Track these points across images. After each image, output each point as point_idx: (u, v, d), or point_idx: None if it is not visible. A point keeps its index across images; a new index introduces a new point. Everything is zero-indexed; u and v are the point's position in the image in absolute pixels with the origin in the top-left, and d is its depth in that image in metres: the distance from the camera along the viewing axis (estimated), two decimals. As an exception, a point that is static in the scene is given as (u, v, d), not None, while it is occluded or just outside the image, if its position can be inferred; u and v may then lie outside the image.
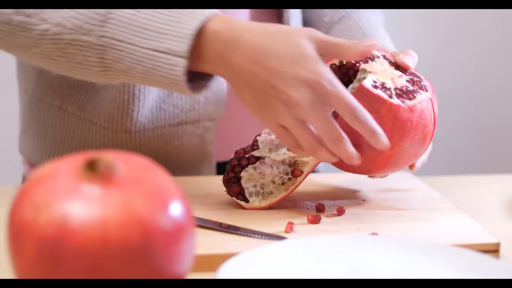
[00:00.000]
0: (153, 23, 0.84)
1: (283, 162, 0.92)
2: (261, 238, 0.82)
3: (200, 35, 0.83)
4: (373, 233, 0.84)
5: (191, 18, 0.83)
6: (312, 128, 0.82)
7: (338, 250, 0.76)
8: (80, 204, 0.57)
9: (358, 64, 0.89)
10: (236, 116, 1.12)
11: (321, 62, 0.81)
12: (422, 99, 0.87)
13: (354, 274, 0.72)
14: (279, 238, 0.82)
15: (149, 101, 1.04)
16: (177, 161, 1.08)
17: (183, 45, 0.82)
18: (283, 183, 0.92)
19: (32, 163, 1.14)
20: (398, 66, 0.91)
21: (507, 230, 0.91)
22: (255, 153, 0.92)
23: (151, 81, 0.86)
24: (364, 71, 0.89)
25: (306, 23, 1.21)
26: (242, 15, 1.10)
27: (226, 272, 0.68)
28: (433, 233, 0.85)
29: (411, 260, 0.74)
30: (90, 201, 0.57)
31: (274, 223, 0.86)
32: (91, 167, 0.58)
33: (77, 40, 0.86)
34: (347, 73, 0.90)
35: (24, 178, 1.22)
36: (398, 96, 0.86)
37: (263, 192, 0.92)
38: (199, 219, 0.86)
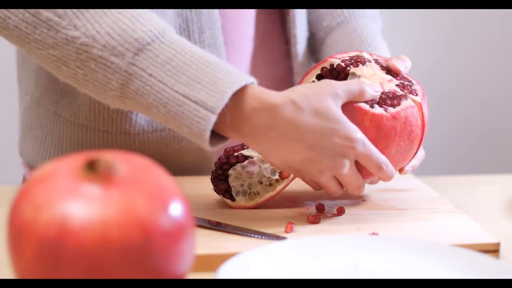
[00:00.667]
0: (190, 69, 0.83)
1: None
2: (261, 238, 0.82)
3: (235, 99, 0.82)
4: (373, 233, 0.84)
5: (233, 78, 0.82)
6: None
7: (338, 250, 0.76)
8: (80, 204, 0.57)
9: (348, 68, 0.90)
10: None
11: (350, 123, 0.84)
12: (407, 105, 0.88)
13: (354, 274, 0.72)
14: (279, 238, 0.82)
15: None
16: (177, 165, 1.08)
17: (217, 102, 0.81)
18: (270, 184, 0.92)
19: (31, 166, 1.14)
20: (390, 71, 0.92)
21: (507, 230, 0.91)
22: (245, 152, 0.92)
23: (170, 123, 0.84)
24: (354, 75, 0.90)
25: None
26: (247, 14, 1.10)
27: (226, 272, 0.68)
28: (433, 233, 0.85)
29: (411, 260, 0.74)
30: (90, 201, 0.57)
31: (274, 223, 0.86)
32: (91, 167, 0.58)
33: (104, 58, 0.84)
34: (338, 76, 0.91)
35: (24, 179, 1.22)
36: (382, 103, 0.87)
37: (249, 192, 0.92)
38: (199, 219, 0.86)
